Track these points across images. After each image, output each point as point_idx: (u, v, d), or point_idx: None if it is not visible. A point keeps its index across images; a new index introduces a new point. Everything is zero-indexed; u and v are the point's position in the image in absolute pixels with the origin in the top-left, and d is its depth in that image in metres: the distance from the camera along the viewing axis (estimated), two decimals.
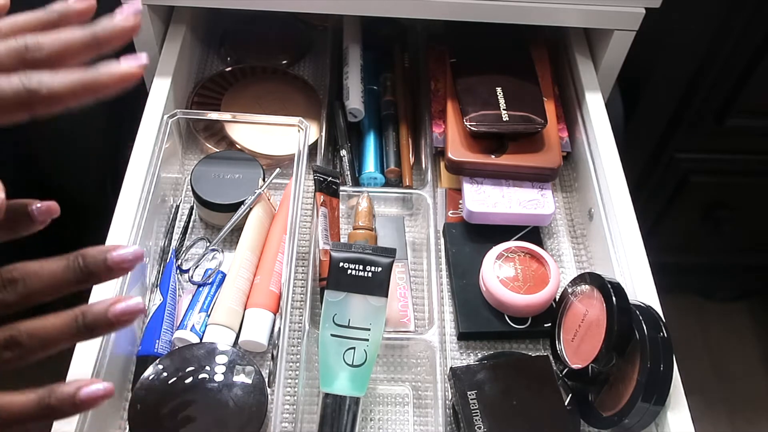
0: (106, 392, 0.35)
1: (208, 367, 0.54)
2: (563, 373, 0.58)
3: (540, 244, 0.68)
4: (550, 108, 0.72)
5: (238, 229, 0.66)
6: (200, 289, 0.62)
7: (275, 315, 0.61)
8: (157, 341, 0.58)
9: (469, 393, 0.55)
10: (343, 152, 0.73)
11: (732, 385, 1.38)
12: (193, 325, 0.59)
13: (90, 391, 0.35)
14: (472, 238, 0.68)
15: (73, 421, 0.49)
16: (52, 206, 0.37)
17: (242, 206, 0.65)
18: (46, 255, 0.37)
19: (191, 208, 0.69)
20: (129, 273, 0.54)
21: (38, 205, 0.36)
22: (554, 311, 0.62)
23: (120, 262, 0.36)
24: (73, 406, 0.34)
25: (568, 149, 0.73)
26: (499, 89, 0.71)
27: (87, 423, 0.49)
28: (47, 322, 0.34)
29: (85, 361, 0.52)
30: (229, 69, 0.82)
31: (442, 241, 0.69)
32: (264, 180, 0.67)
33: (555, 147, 0.70)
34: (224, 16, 0.86)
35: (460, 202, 0.69)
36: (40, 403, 0.34)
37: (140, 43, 0.73)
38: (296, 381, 0.59)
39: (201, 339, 0.59)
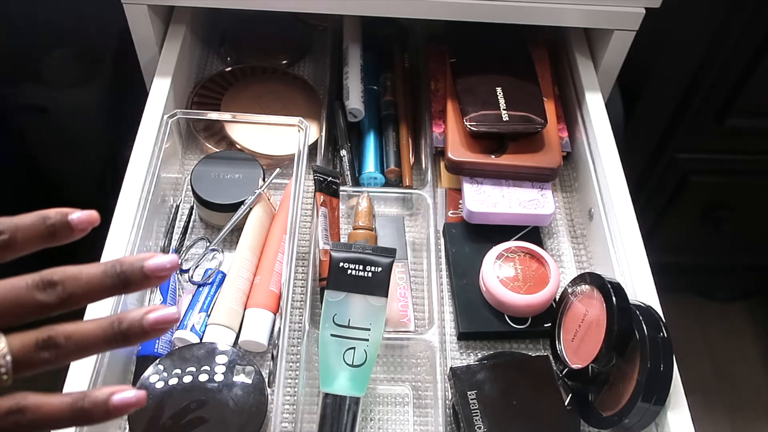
0: (138, 400, 0.35)
1: (208, 367, 0.54)
2: (563, 373, 0.58)
3: (540, 244, 0.68)
4: (550, 108, 0.72)
5: (238, 229, 0.66)
6: (200, 289, 0.62)
7: (275, 315, 0.61)
8: (157, 341, 0.58)
9: (469, 393, 0.55)
10: (343, 152, 0.73)
11: (732, 385, 1.38)
12: (193, 325, 0.59)
13: (123, 397, 0.35)
14: (472, 238, 0.68)
15: None
16: (93, 216, 0.37)
17: (242, 206, 0.65)
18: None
19: (191, 208, 0.69)
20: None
21: (78, 214, 0.36)
22: (554, 311, 0.62)
23: (156, 270, 0.36)
24: (105, 411, 0.35)
25: (568, 149, 0.73)
26: (499, 89, 0.71)
27: None
28: (85, 326, 0.35)
29: (86, 361, 0.51)
30: (229, 69, 0.82)
31: (442, 241, 0.69)
32: (264, 180, 0.67)
33: (555, 147, 0.70)
34: (224, 16, 0.86)
35: (460, 202, 0.69)
36: (73, 407, 0.34)
37: (140, 43, 0.73)
38: (296, 381, 0.59)
39: (201, 339, 0.59)
